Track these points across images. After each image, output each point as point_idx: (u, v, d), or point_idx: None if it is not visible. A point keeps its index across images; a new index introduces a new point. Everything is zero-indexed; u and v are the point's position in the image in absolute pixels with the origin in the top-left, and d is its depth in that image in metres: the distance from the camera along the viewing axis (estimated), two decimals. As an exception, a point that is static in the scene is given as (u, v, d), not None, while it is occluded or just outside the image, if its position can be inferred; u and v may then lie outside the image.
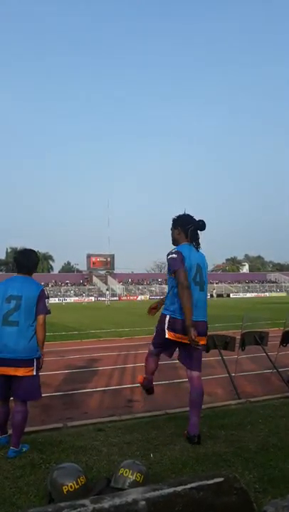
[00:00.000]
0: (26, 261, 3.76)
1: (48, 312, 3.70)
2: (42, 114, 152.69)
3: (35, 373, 3.54)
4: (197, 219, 3.84)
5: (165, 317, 3.73)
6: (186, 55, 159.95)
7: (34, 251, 3.90)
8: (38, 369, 3.58)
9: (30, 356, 3.50)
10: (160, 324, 3.78)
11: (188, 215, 3.88)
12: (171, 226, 3.94)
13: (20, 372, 3.47)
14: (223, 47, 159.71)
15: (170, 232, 3.95)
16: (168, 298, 3.78)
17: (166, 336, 3.69)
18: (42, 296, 3.61)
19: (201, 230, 3.85)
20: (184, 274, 3.58)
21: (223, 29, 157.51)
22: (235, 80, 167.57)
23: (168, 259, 3.69)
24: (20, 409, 3.53)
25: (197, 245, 3.83)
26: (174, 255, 3.66)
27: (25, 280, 3.67)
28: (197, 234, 3.84)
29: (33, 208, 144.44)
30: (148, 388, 4.22)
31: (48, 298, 3.78)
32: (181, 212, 3.91)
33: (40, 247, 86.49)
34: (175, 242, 3.88)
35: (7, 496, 2.75)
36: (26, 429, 3.71)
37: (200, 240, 3.87)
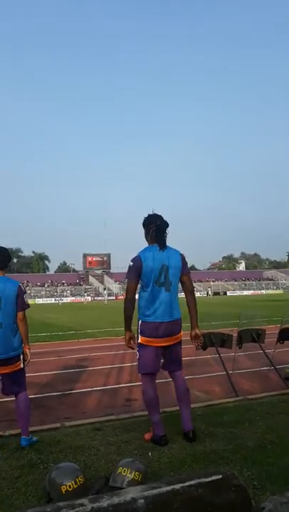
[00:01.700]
0: (1, 259, 3.73)
1: (28, 306, 3.73)
2: (39, 114, 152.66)
3: (22, 366, 3.69)
4: (165, 218, 3.78)
5: (138, 322, 3.76)
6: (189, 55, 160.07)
7: (4, 248, 3.83)
8: (23, 361, 3.71)
9: (16, 353, 3.64)
10: (137, 332, 3.77)
11: (153, 214, 3.80)
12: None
13: (9, 369, 3.60)
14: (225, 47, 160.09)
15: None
16: (138, 303, 3.78)
17: (139, 340, 3.69)
18: (20, 292, 3.66)
19: (162, 229, 3.72)
20: (131, 287, 3.68)
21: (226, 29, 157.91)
22: (237, 79, 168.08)
23: (127, 269, 3.71)
24: (21, 398, 3.69)
25: (163, 245, 3.71)
26: (131, 263, 3.67)
27: (1, 279, 3.66)
28: (162, 233, 3.73)
29: (28, 208, 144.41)
30: (160, 440, 3.60)
31: (25, 292, 3.81)
32: (151, 212, 3.82)
33: (35, 248, 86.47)
34: (148, 243, 3.83)
35: (5, 497, 2.74)
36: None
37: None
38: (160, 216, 3.78)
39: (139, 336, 3.70)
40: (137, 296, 3.75)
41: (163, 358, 3.77)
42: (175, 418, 4.12)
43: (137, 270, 3.63)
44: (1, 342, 3.55)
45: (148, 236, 3.80)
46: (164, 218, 3.79)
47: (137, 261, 3.65)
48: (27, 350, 3.72)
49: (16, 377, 3.65)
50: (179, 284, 3.83)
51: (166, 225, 3.77)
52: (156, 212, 3.82)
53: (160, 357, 3.75)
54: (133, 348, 3.77)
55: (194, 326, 3.85)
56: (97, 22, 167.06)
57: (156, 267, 3.63)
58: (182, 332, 3.79)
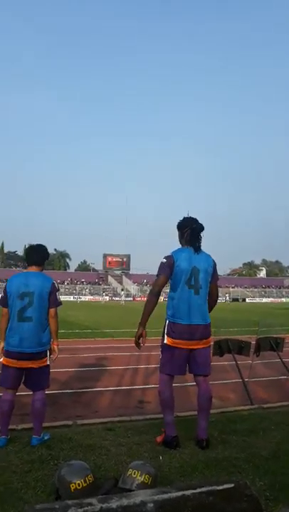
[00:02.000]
0: (36, 255, 3.85)
1: (60, 304, 3.78)
2: (65, 109, 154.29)
3: (48, 363, 3.72)
4: (200, 222, 3.79)
5: (165, 322, 3.73)
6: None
7: (43, 245, 3.95)
8: (49, 358, 3.75)
9: (44, 349, 3.68)
10: (162, 333, 3.74)
11: (188, 217, 3.83)
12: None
13: (36, 364, 3.63)
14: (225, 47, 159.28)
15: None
16: (167, 304, 3.76)
17: (165, 341, 3.66)
18: (53, 290, 3.72)
19: (198, 232, 3.74)
20: (160, 280, 3.62)
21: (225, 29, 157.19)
22: (237, 79, 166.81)
23: (159, 266, 3.67)
24: (39, 397, 3.69)
25: (197, 248, 3.71)
26: (164, 260, 3.66)
27: (36, 275, 3.74)
28: (196, 237, 3.73)
29: (52, 206, 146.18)
30: (171, 441, 3.58)
31: (59, 290, 3.86)
32: (187, 215, 3.86)
33: (57, 245, 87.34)
34: (181, 245, 3.83)
35: (14, 490, 2.75)
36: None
37: (202, 243, 3.79)
38: (196, 219, 3.81)
39: (166, 336, 3.67)
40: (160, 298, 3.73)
41: (189, 362, 3.72)
42: (188, 423, 4.08)
43: (169, 267, 3.62)
44: (31, 336, 3.60)
45: (182, 239, 3.79)
46: (200, 222, 3.79)
47: (170, 258, 3.64)
48: (55, 347, 3.76)
49: (40, 373, 3.68)
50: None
51: (202, 228, 3.77)
52: (191, 216, 3.84)
53: (186, 361, 3.70)
54: (138, 347, 3.72)
55: None
56: (97, 22, 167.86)
57: (188, 269, 3.62)
58: (211, 337, 3.76)
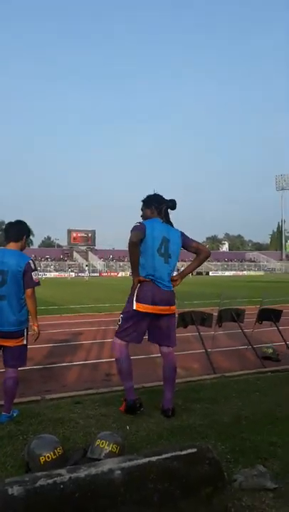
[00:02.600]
0: (11, 231, 3.74)
1: (36, 284, 3.67)
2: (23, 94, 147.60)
3: (25, 342, 3.69)
4: (168, 199, 3.85)
5: (132, 289, 3.74)
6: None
7: (22, 221, 3.83)
8: (27, 338, 3.71)
9: (20, 328, 3.63)
10: (129, 296, 3.75)
11: (159, 194, 3.89)
12: (142, 206, 3.91)
13: (11, 343, 3.62)
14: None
15: (142, 212, 3.91)
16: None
17: (134, 307, 3.67)
18: (28, 270, 3.60)
19: (172, 209, 3.87)
20: (135, 234, 3.59)
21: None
22: (226, 54, 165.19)
23: (131, 229, 3.68)
24: (11, 375, 3.68)
25: (169, 223, 3.84)
26: (137, 223, 3.70)
27: (11, 253, 3.64)
28: (168, 213, 3.87)
29: (14, 181, 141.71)
30: (134, 403, 3.72)
31: (37, 270, 3.74)
32: (151, 193, 3.90)
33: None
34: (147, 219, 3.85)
35: (-16, 466, 2.78)
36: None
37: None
38: (172, 199, 3.85)
39: (134, 302, 3.66)
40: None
41: (152, 331, 3.80)
42: (153, 393, 4.21)
43: (141, 230, 3.62)
44: (4, 315, 3.54)
45: (154, 214, 3.81)
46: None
47: (142, 225, 3.67)
48: (36, 328, 3.72)
49: (16, 352, 3.65)
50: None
51: (176, 205, 3.85)
52: (157, 193, 3.89)
53: (146, 329, 3.78)
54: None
55: (182, 274, 3.93)
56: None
57: (159, 237, 3.67)
58: (176, 309, 3.84)
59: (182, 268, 4.14)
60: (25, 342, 3.69)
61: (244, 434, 3.29)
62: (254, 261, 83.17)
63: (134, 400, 3.73)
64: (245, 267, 77.18)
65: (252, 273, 70.49)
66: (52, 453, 2.57)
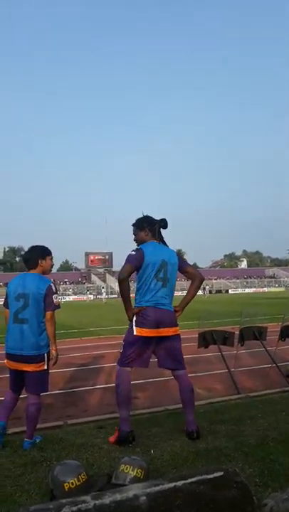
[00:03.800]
0: (29, 257, 3.81)
1: (57, 307, 3.69)
2: (38, 109, 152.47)
3: (45, 367, 3.64)
4: (159, 219, 3.87)
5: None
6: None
7: (34, 247, 3.88)
8: (48, 363, 3.68)
9: (40, 352, 3.60)
10: (129, 323, 3.73)
11: (149, 216, 3.92)
12: (134, 230, 3.91)
13: (31, 367, 3.58)
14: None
15: (134, 236, 3.92)
16: (135, 297, 3.78)
17: (134, 333, 3.64)
18: (49, 293, 3.64)
19: (164, 228, 3.88)
20: (126, 268, 3.60)
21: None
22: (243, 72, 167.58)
23: (126, 258, 3.68)
24: (33, 401, 3.64)
25: (164, 243, 3.86)
26: (133, 252, 3.68)
27: (32, 277, 3.71)
28: (161, 233, 3.89)
29: (30, 207, 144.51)
30: (127, 436, 3.55)
31: (57, 293, 3.78)
32: (143, 215, 3.92)
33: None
34: (142, 243, 3.83)
35: (9, 494, 2.76)
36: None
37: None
38: (163, 218, 3.88)
39: (134, 328, 3.65)
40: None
41: (159, 355, 3.74)
42: (177, 416, 4.14)
43: (137, 259, 3.63)
44: (24, 338, 3.56)
45: (148, 235, 3.82)
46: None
47: (140, 251, 3.67)
48: (54, 352, 3.68)
49: (37, 378, 3.61)
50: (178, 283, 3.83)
51: (167, 225, 3.86)
52: (147, 215, 3.92)
53: (150, 353, 3.72)
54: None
55: (182, 304, 3.84)
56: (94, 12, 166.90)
57: (158, 261, 3.66)
58: (179, 328, 3.78)
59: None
60: (45, 367, 3.64)
61: (272, 455, 3.19)
62: (274, 277, 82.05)
63: (128, 432, 3.57)
64: (265, 283, 76.10)
65: (272, 289, 69.45)
66: (76, 479, 2.53)
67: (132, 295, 3.65)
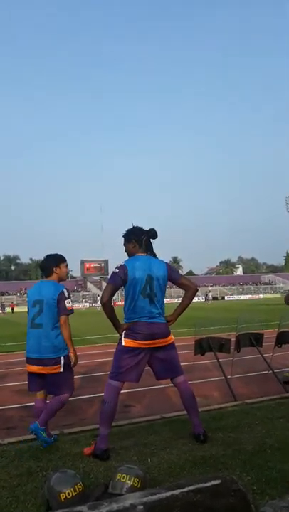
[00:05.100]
0: (44, 266, 4.05)
1: (70, 312, 3.84)
2: (34, 117, 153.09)
3: (62, 370, 3.76)
4: (148, 228, 3.81)
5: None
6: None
7: (48, 256, 4.07)
8: (67, 366, 3.80)
9: (54, 355, 3.74)
10: (118, 340, 3.68)
11: (138, 226, 3.83)
12: (123, 242, 3.85)
13: (47, 370, 3.75)
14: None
15: (124, 248, 3.86)
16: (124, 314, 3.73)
17: (123, 343, 3.58)
18: (61, 298, 3.80)
19: (153, 239, 3.80)
20: (108, 290, 3.58)
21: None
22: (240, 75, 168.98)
23: (109, 278, 3.65)
24: (57, 399, 3.80)
25: (152, 254, 3.78)
26: (116, 270, 3.62)
27: (47, 284, 3.92)
28: (150, 243, 3.80)
29: (24, 217, 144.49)
30: (102, 454, 3.41)
31: (70, 298, 3.91)
32: (132, 226, 3.84)
33: (33, 255, 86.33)
34: (131, 255, 3.79)
35: (4, 506, 2.72)
36: (24, 437, 3.83)
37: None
38: (152, 228, 3.81)
39: (123, 340, 3.60)
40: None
41: (155, 367, 3.69)
42: (173, 424, 4.12)
43: (120, 277, 3.57)
44: (39, 342, 3.75)
45: (136, 247, 3.75)
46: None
47: (123, 268, 3.60)
48: (71, 355, 3.82)
49: (54, 380, 3.77)
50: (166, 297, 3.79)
51: (157, 235, 3.79)
52: (136, 225, 3.84)
53: (143, 365, 3.64)
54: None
55: (175, 314, 3.78)
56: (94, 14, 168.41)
57: (143, 277, 3.58)
58: (172, 337, 3.73)
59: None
60: (61, 370, 3.76)
61: (270, 463, 3.17)
62: (270, 283, 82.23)
63: (104, 450, 3.44)
64: (261, 289, 76.25)
65: (268, 296, 69.56)
66: (72, 489, 2.51)
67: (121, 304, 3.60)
